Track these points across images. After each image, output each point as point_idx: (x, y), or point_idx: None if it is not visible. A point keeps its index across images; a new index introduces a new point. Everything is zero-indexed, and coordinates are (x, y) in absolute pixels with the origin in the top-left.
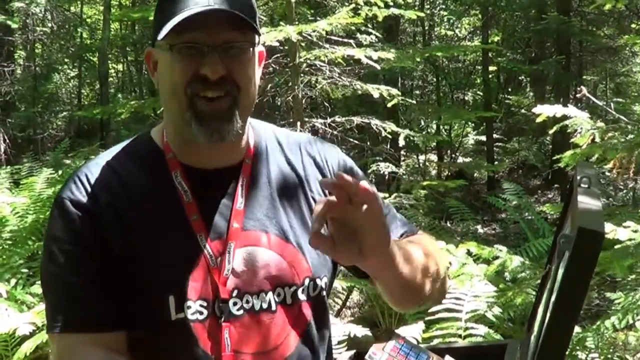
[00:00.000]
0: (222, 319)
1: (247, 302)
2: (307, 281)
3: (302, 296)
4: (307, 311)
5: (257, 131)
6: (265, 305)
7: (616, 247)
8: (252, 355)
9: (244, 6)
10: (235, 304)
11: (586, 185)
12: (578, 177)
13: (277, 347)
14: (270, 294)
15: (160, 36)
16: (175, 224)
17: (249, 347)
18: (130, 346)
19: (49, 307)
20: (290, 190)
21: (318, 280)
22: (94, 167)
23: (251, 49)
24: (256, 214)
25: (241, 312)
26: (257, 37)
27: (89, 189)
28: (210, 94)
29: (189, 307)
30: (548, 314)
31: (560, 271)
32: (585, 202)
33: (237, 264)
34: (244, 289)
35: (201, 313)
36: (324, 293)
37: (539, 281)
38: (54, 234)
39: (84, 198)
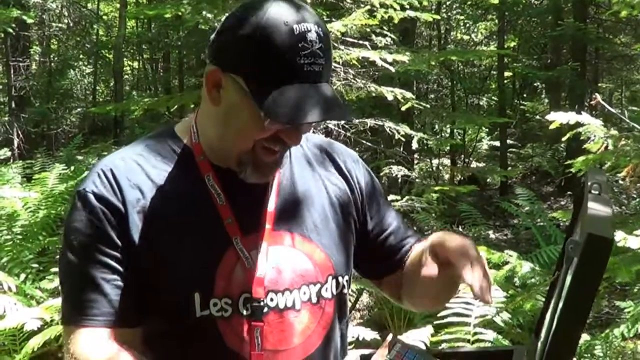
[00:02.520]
0: (255, 318)
1: (272, 300)
2: (330, 279)
3: (326, 294)
4: (330, 309)
5: None
6: (290, 304)
7: (627, 254)
8: (277, 352)
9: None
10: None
11: (597, 192)
12: (589, 183)
13: (302, 344)
14: (295, 292)
15: (269, 121)
16: (209, 226)
17: (274, 344)
18: (154, 342)
19: (65, 299)
20: (313, 191)
21: (340, 278)
22: (119, 162)
23: None
24: (283, 215)
25: (266, 310)
26: None
27: (114, 184)
28: (277, 148)
29: (215, 304)
30: (555, 320)
31: (569, 277)
32: (595, 208)
33: (277, 261)
34: (268, 288)
35: (226, 310)
36: (345, 290)
37: (548, 287)
38: (75, 227)
39: (108, 193)
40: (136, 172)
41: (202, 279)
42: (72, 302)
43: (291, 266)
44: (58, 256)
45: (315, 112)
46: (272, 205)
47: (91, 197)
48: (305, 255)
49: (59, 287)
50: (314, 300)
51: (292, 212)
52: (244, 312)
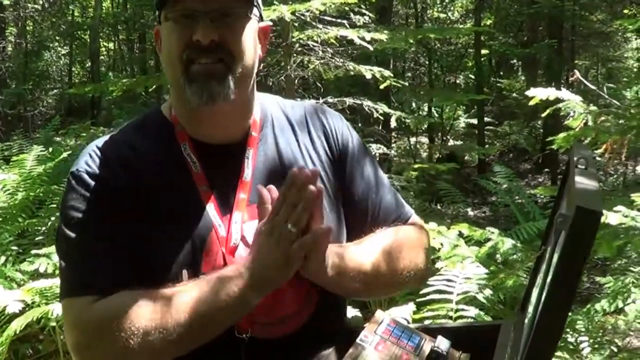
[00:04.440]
0: None
1: None
2: None
3: None
4: None
5: (262, 104)
6: None
7: (606, 230)
8: (268, 323)
9: None
10: None
11: (583, 166)
12: (575, 158)
13: (293, 315)
14: None
15: (156, 4)
16: (185, 194)
17: (265, 315)
18: None
19: (66, 273)
20: (298, 160)
21: None
22: (109, 141)
23: (247, 18)
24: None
25: None
26: (254, 8)
27: (103, 161)
28: (204, 60)
29: None
30: (544, 294)
31: (557, 251)
32: (583, 182)
33: (248, 237)
34: None
35: None
36: None
37: (530, 263)
38: (72, 204)
39: (98, 169)
40: (123, 149)
41: (188, 256)
42: (73, 275)
43: None
44: (39, 237)
45: None
46: (247, 175)
47: (84, 175)
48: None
49: (58, 265)
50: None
51: (275, 183)
52: None
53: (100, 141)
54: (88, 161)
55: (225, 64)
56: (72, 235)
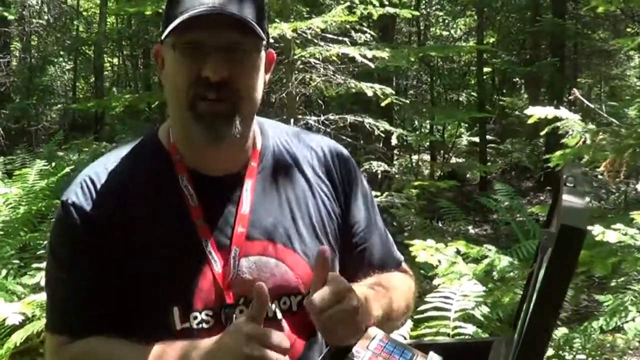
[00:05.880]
0: (228, 324)
1: None
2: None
3: None
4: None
5: (265, 132)
6: (270, 314)
7: (603, 248)
8: None
9: (252, 9)
10: (241, 311)
11: (572, 184)
12: (564, 177)
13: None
14: (275, 302)
15: (164, 35)
16: (181, 228)
17: None
18: None
19: (49, 304)
20: (299, 197)
21: None
22: (102, 171)
23: (257, 52)
24: (262, 222)
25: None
26: (263, 42)
27: (94, 195)
28: (211, 95)
29: (195, 318)
30: (530, 310)
31: (543, 268)
32: (570, 200)
33: (244, 273)
34: (250, 297)
35: (207, 322)
36: None
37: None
38: (56, 235)
39: (87, 205)
40: (117, 182)
41: (180, 293)
42: (52, 310)
43: (272, 276)
44: (41, 251)
45: (198, 8)
46: (245, 208)
47: (72, 209)
48: (287, 264)
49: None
50: (294, 309)
51: (274, 218)
52: (224, 321)
53: (93, 170)
54: (78, 192)
55: (232, 102)
56: (54, 269)
